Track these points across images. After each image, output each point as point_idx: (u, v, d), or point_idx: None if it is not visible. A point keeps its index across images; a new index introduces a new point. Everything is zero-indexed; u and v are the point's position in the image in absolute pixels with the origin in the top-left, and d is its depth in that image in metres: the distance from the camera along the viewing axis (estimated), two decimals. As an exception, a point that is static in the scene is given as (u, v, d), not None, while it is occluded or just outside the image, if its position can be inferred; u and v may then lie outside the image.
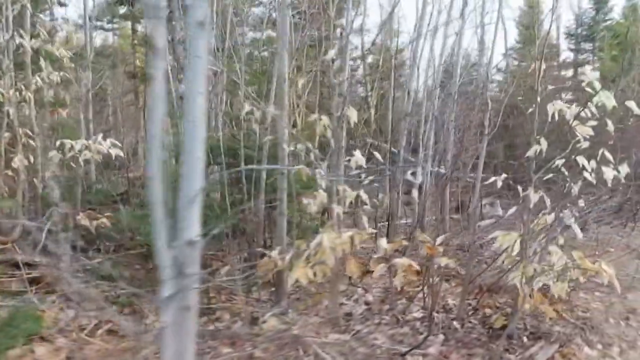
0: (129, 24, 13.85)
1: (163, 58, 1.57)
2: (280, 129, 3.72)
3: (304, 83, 4.03)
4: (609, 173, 3.24)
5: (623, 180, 3.28)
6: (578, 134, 3.23)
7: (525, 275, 3.30)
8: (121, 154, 4.42)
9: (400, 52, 10.98)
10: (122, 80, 11.31)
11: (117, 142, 4.35)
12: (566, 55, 21.00)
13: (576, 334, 3.69)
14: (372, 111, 10.62)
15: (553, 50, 18.22)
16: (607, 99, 2.88)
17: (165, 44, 1.57)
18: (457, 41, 6.81)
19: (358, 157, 3.31)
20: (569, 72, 20.40)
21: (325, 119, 3.39)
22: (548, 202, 3.38)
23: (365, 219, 3.04)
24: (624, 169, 3.31)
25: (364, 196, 3.35)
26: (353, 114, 3.29)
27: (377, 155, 3.52)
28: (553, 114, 3.12)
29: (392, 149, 7.03)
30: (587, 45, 19.88)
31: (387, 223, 5.87)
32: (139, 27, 11.67)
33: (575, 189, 3.38)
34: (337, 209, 3.16)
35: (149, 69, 1.56)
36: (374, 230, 3.23)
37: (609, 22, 19.47)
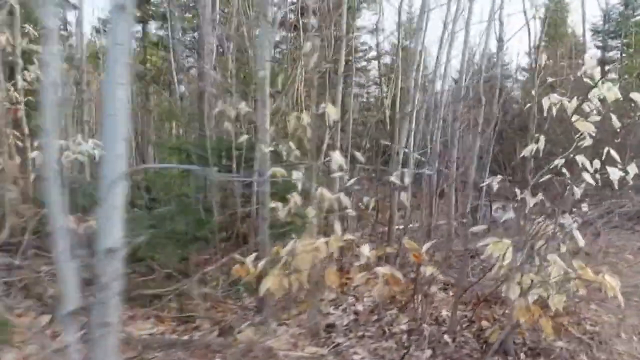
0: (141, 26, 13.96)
1: (55, 41, 1.39)
2: (261, 128, 3.52)
3: (286, 80, 3.81)
4: (615, 174, 2.93)
5: (631, 182, 2.95)
6: (583, 131, 2.94)
7: (521, 287, 3.02)
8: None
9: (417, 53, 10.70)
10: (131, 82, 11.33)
11: (99, 143, 4.23)
12: (593, 52, 20.23)
13: (581, 350, 3.37)
14: (387, 112, 10.34)
15: (578, 47, 17.55)
16: (609, 90, 2.57)
17: (57, 25, 1.38)
18: (455, 36, 6.49)
19: (337, 157, 3.07)
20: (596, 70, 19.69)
21: (305, 117, 3.18)
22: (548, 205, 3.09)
23: (337, 224, 2.81)
24: (633, 169, 2.98)
25: (345, 199, 3.12)
26: (332, 111, 3.06)
27: (358, 155, 3.27)
28: (550, 109, 2.82)
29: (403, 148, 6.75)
30: (615, 42, 19.05)
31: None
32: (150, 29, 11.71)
33: (578, 192, 3.07)
34: (312, 213, 2.94)
35: (41, 54, 1.37)
36: (352, 237, 2.98)
37: (638, 18, 18.62)
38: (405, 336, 3.38)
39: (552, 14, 18.15)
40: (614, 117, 2.81)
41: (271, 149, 3.40)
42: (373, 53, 16.11)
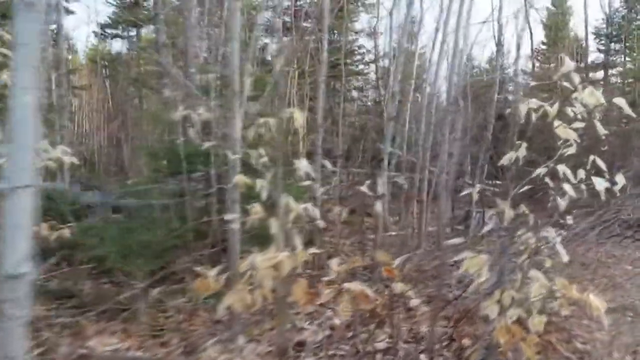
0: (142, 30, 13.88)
1: None
2: (229, 135, 3.35)
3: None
4: (600, 184, 2.73)
5: (618, 193, 2.75)
6: (565, 138, 2.75)
7: (501, 304, 2.82)
8: (75, 161, 4.13)
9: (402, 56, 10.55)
10: (125, 86, 11.25)
11: (67, 149, 4.07)
12: (595, 56, 19.95)
13: (569, 372, 3.17)
14: (385, 115, 10.15)
15: (579, 50, 17.30)
16: (590, 95, 2.38)
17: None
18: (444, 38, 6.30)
19: (304, 165, 2.90)
20: (598, 74, 19.41)
21: (271, 121, 3.00)
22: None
23: (297, 237, 2.63)
24: (621, 179, 2.78)
25: (313, 209, 2.93)
26: (298, 116, 2.88)
27: (327, 163, 3.09)
28: (529, 115, 2.62)
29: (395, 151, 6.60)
30: (618, 46, 18.75)
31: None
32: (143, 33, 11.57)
33: (562, 203, 2.87)
34: (276, 224, 2.75)
35: None
36: (318, 250, 2.80)
37: (642, 21, 18.31)
38: (380, 355, 3.18)
39: (552, 17, 17.93)
40: (598, 124, 2.62)
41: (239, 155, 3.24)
42: (371, 56, 15.98)
